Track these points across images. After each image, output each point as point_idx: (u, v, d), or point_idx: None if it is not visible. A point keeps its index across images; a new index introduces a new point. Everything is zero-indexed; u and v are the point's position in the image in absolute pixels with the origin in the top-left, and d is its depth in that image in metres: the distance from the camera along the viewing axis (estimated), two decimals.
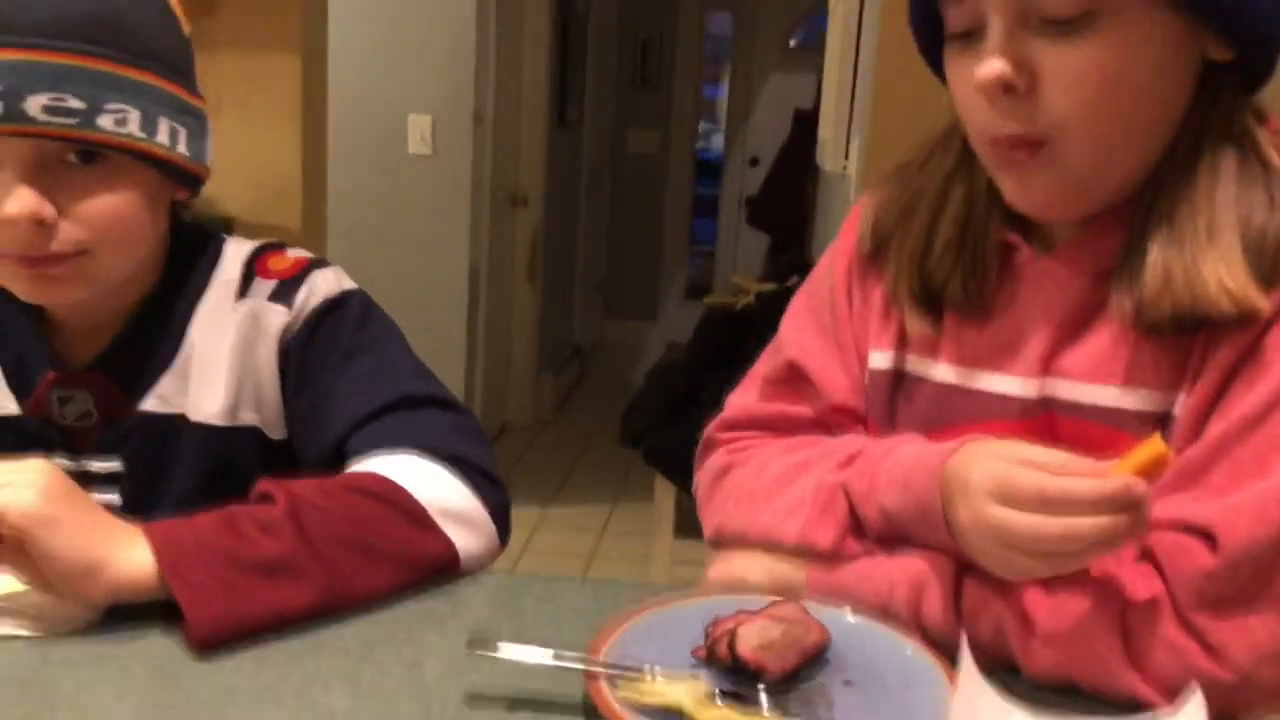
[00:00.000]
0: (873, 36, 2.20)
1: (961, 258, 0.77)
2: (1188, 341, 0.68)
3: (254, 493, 0.75)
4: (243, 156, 2.25)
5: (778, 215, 5.26)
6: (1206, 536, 0.62)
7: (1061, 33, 0.65)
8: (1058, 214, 0.73)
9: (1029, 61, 0.66)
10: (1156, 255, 0.67)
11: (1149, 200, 0.70)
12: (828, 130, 2.85)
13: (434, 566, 0.77)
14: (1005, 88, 0.66)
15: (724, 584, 0.77)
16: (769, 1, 5.93)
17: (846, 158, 2.52)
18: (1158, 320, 0.67)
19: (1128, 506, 0.58)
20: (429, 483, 0.79)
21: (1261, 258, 0.65)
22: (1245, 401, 0.64)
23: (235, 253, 0.91)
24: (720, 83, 6.60)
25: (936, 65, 0.77)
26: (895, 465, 0.72)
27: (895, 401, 0.82)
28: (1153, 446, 0.59)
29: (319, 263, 0.91)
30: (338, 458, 0.85)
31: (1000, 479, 0.62)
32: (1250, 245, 0.65)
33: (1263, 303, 0.64)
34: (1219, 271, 0.65)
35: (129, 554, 0.68)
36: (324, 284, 0.89)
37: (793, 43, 6.15)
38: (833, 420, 0.85)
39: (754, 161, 6.16)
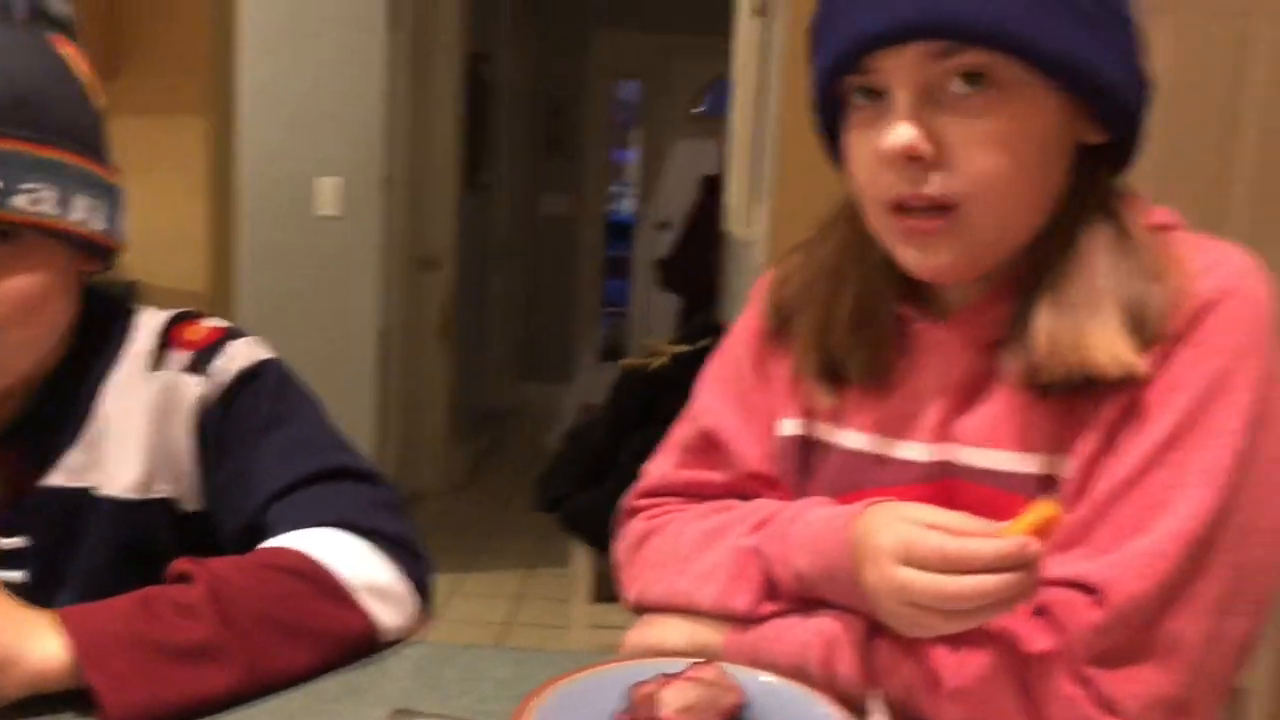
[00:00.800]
0: (776, 107, 2.28)
1: (860, 334, 0.81)
2: (1073, 404, 0.72)
3: (171, 572, 0.74)
4: (149, 219, 2.20)
5: (687, 278, 5.35)
6: (1095, 592, 0.66)
7: (961, 109, 0.69)
8: (958, 277, 0.75)
9: (934, 132, 0.70)
10: (1044, 322, 0.71)
11: (1034, 271, 0.74)
12: (734, 197, 2.93)
13: (355, 643, 0.76)
14: (912, 156, 0.69)
15: (644, 649, 0.78)
16: (675, 70, 6.09)
17: (753, 224, 2.59)
18: (1048, 383, 0.71)
19: (1022, 565, 0.61)
20: (349, 558, 0.78)
21: (1135, 324, 0.70)
22: (1125, 463, 0.68)
23: (148, 323, 0.90)
24: (630, 147, 6.73)
25: (831, 143, 0.81)
26: (805, 529, 0.74)
27: (805, 468, 0.85)
28: (1045, 508, 0.63)
29: (235, 332, 0.90)
30: (256, 531, 0.84)
31: (905, 541, 0.65)
32: (1126, 312, 0.70)
33: (1142, 366, 0.69)
34: (1102, 336, 0.69)
35: (42, 645, 0.66)
36: (240, 354, 0.88)
37: (699, 110, 6.31)
38: (747, 486, 0.87)
39: (663, 225, 6.27)
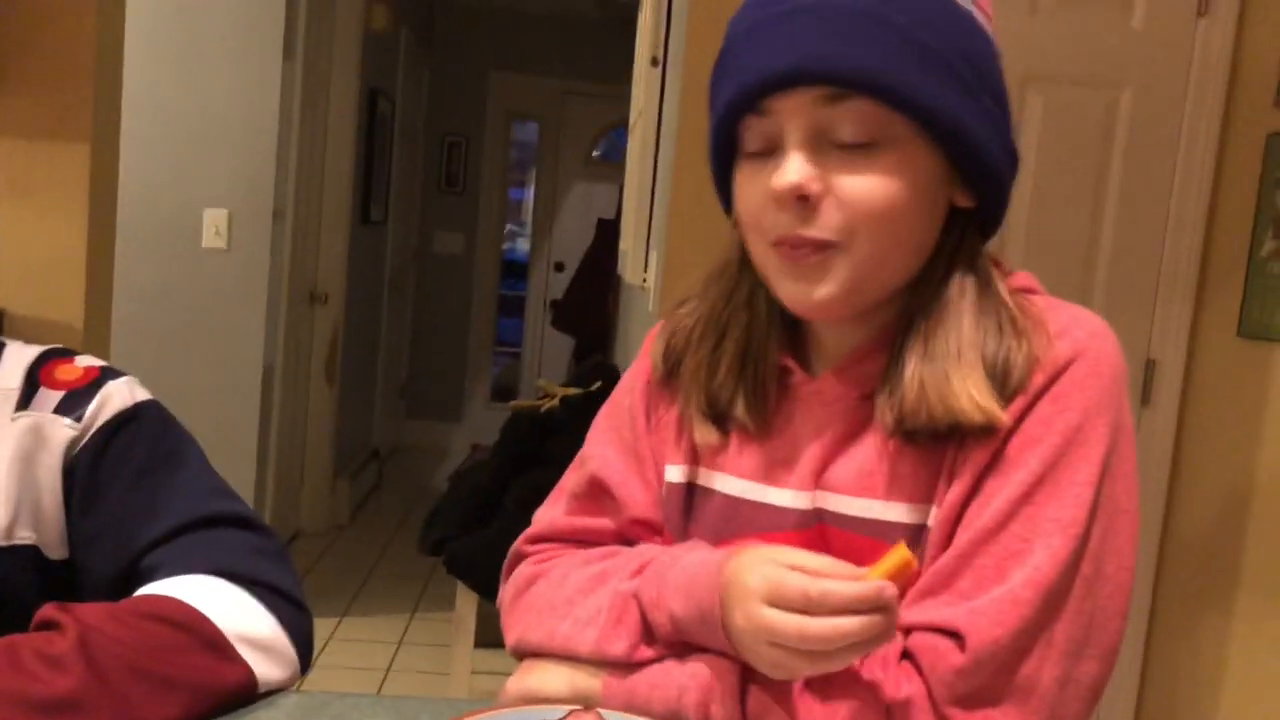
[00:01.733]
0: (669, 155, 2.33)
1: (743, 381, 0.84)
2: (940, 454, 0.76)
3: (37, 619, 0.71)
4: (22, 246, 2.12)
5: (581, 320, 5.38)
6: (957, 637, 0.69)
7: (849, 156, 0.73)
8: (836, 313, 0.78)
9: (821, 175, 0.73)
10: (913, 370, 0.75)
11: (906, 324, 0.78)
12: (628, 243, 2.97)
13: (232, 695, 0.75)
14: (799, 196, 0.73)
15: (523, 695, 0.78)
16: (573, 114, 6.15)
17: (646, 270, 2.63)
18: (915, 429, 0.74)
19: (880, 608, 0.64)
20: (228, 608, 0.77)
21: (997, 377, 0.74)
22: (986, 513, 0.72)
23: (16, 359, 0.86)
24: (526, 186, 6.75)
25: (724, 189, 0.84)
26: (680, 573, 0.76)
27: (689, 513, 0.87)
28: (899, 553, 0.66)
29: (111, 373, 0.88)
30: (131, 579, 0.81)
31: (770, 582, 0.67)
32: (989, 364, 0.75)
33: (1003, 415, 0.72)
34: (967, 386, 0.73)
35: None
36: (117, 396, 0.86)
37: (597, 154, 6.38)
38: (633, 533, 0.88)
39: (559, 267, 6.29)
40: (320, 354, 4.15)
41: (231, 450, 3.28)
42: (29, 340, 0.90)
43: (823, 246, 0.74)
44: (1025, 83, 2.21)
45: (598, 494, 0.90)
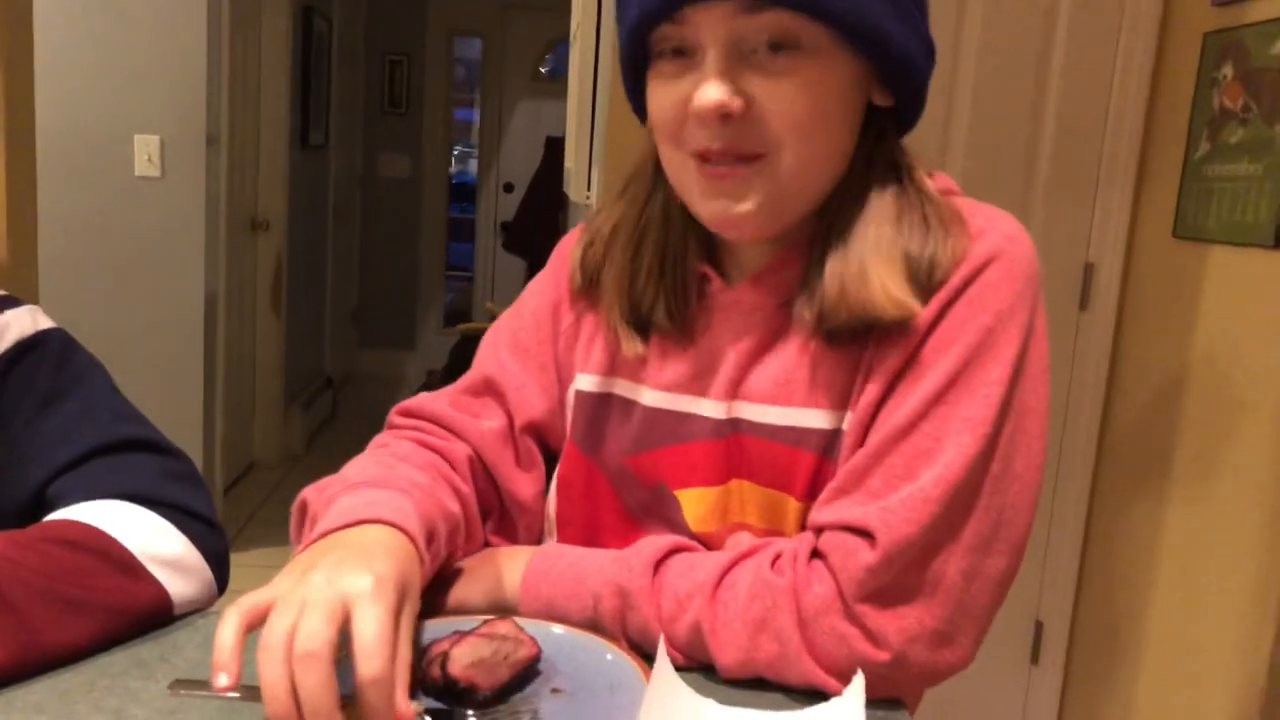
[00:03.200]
0: (607, 71, 2.28)
1: (663, 284, 0.83)
2: (857, 357, 0.76)
3: None
4: None
5: (532, 241, 5.32)
6: (867, 536, 0.70)
7: (769, 67, 0.71)
8: (758, 230, 0.77)
9: (743, 89, 0.72)
10: (832, 269, 0.75)
11: (826, 228, 0.78)
12: (571, 160, 2.93)
13: (146, 616, 0.74)
14: (724, 114, 0.71)
15: (444, 607, 0.79)
16: (517, 29, 6.01)
17: (589, 188, 2.59)
18: (834, 327, 0.74)
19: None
20: (138, 529, 0.76)
21: (918, 273, 0.74)
22: (898, 413, 0.72)
23: None
24: (474, 107, 6.61)
25: (636, 96, 0.82)
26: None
27: (605, 422, 0.87)
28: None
29: (10, 301, 0.85)
30: (38, 506, 0.80)
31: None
32: (909, 262, 0.74)
33: (919, 308, 0.72)
34: (884, 281, 0.73)
35: None
36: (17, 324, 0.83)
37: (543, 69, 6.25)
38: (520, 440, 0.88)
39: (508, 187, 6.21)
40: (265, 283, 4.08)
41: (177, 383, 3.24)
42: None
43: (748, 159, 0.73)
44: None
45: (486, 393, 0.89)
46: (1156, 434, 2.13)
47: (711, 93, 0.71)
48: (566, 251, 0.92)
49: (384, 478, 0.75)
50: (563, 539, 0.87)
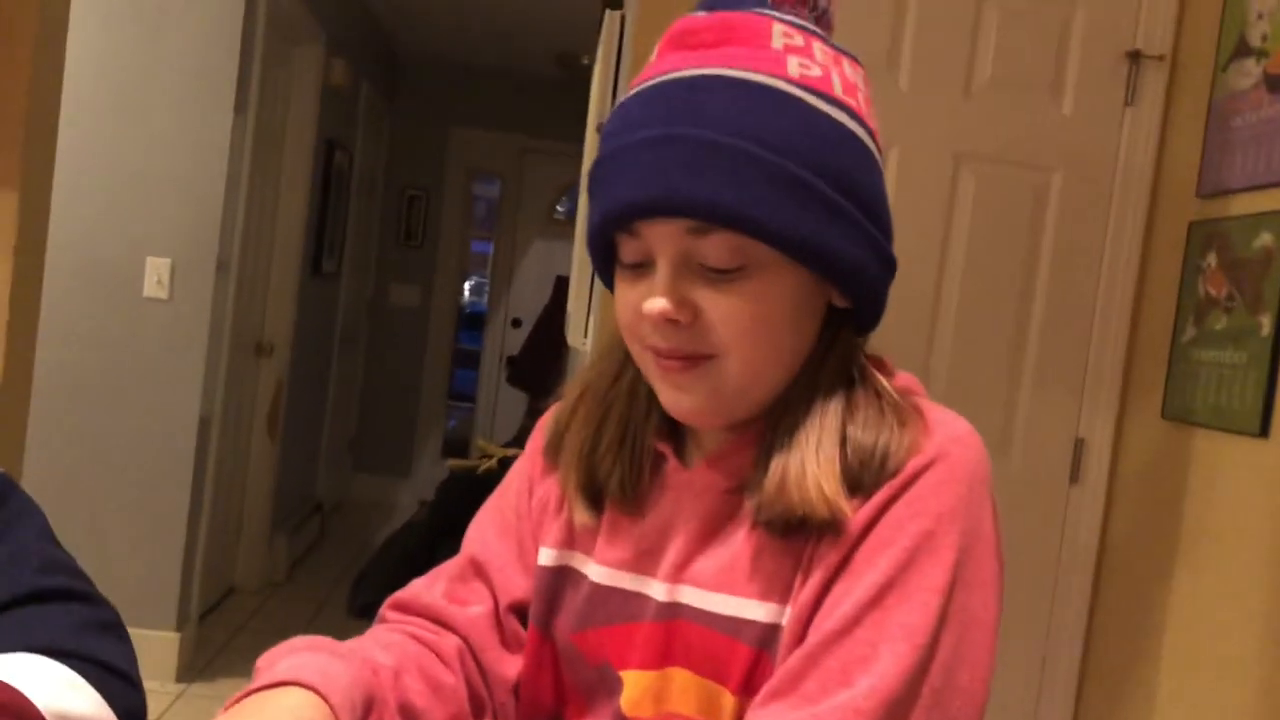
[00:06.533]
0: None
1: (621, 457, 0.83)
2: (799, 551, 0.75)
3: None
4: None
5: (535, 377, 5.37)
6: None
7: (717, 280, 0.73)
8: (708, 421, 0.79)
9: (690, 300, 0.74)
10: (776, 462, 0.74)
11: (777, 418, 0.78)
12: (573, 305, 2.97)
13: None
14: (669, 321, 0.74)
15: None
16: (534, 171, 6.20)
17: (586, 335, 2.62)
18: (771, 520, 0.74)
19: None
20: (48, 685, 0.73)
21: (868, 465, 0.73)
22: (834, 615, 0.70)
23: None
24: (490, 240, 6.77)
25: (608, 278, 0.84)
26: None
27: (557, 599, 0.85)
28: None
29: None
30: None
31: None
32: (855, 457, 0.74)
33: (848, 509, 0.72)
34: (819, 478, 0.72)
35: None
36: None
37: (559, 209, 6.42)
38: (510, 618, 0.87)
39: (516, 323, 6.29)
40: (263, 406, 4.10)
41: (163, 502, 3.21)
42: None
43: (694, 360, 0.75)
44: (958, 161, 2.25)
45: (472, 577, 0.89)
46: (1146, 616, 2.09)
47: (658, 304, 0.73)
48: (543, 426, 0.93)
49: (332, 645, 0.74)
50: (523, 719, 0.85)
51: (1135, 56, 2.22)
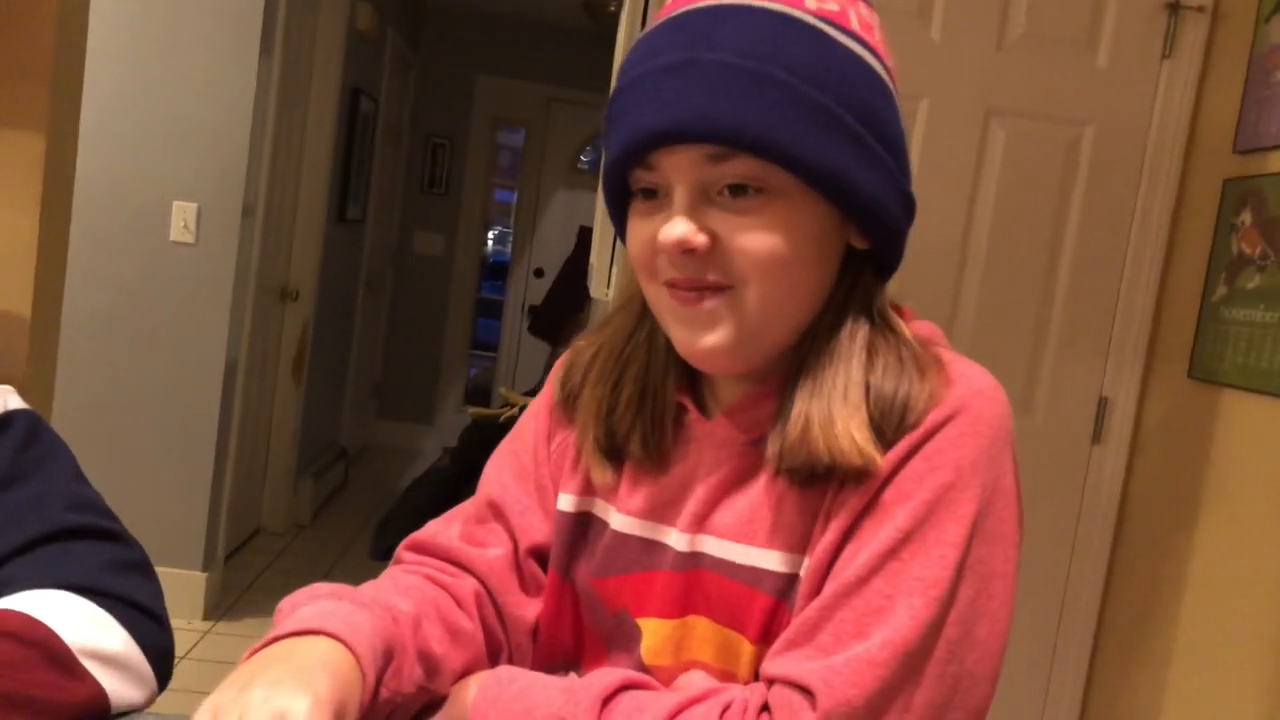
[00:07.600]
0: None
1: (641, 416, 0.83)
2: (819, 500, 0.75)
3: None
4: None
5: (556, 327, 5.37)
6: (810, 694, 0.67)
7: (735, 208, 0.72)
8: (724, 365, 0.77)
9: (708, 227, 0.73)
10: (800, 408, 0.74)
11: (797, 366, 0.77)
12: (595, 257, 2.96)
13: (80, 714, 0.73)
14: (687, 249, 0.72)
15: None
16: (559, 122, 6.15)
17: (609, 285, 2.62)
18: (796, 466, 0.73)
19: None
20: (78, 622, 0.75)
21: (889, 415, 0.73)
22: (851, 567, 0.70)
23: None
24: (514, 190, 6.75)
25: (621, 225, 0.83)
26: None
27: (578, 544, 0.86)
28: None
29: None
30: None
31: None
32: (875, 407, 0.73)
33: (878, 458, 0.71)
34: (849, 426, 0.72)
35: None
36: None
37: (584, 158, 6.38)
38: (525, 564, 0.88)
39: (539, 272, 6.28)
40: (288, 351, 4.13)
41: (190, 445, 3.25)
42: None
43: (715, 289, 0.74)
44: (989, 115, 2.21)
45: (490, 519, 0.89)
46: (1164, 574, 2.08)
47: (676, 229, 0.72)
48: (556, 372, 0.93)
49: (353, 593, 0.75)
50: (539, 662, 0.86)
51: (1175, 8, 2.17)
